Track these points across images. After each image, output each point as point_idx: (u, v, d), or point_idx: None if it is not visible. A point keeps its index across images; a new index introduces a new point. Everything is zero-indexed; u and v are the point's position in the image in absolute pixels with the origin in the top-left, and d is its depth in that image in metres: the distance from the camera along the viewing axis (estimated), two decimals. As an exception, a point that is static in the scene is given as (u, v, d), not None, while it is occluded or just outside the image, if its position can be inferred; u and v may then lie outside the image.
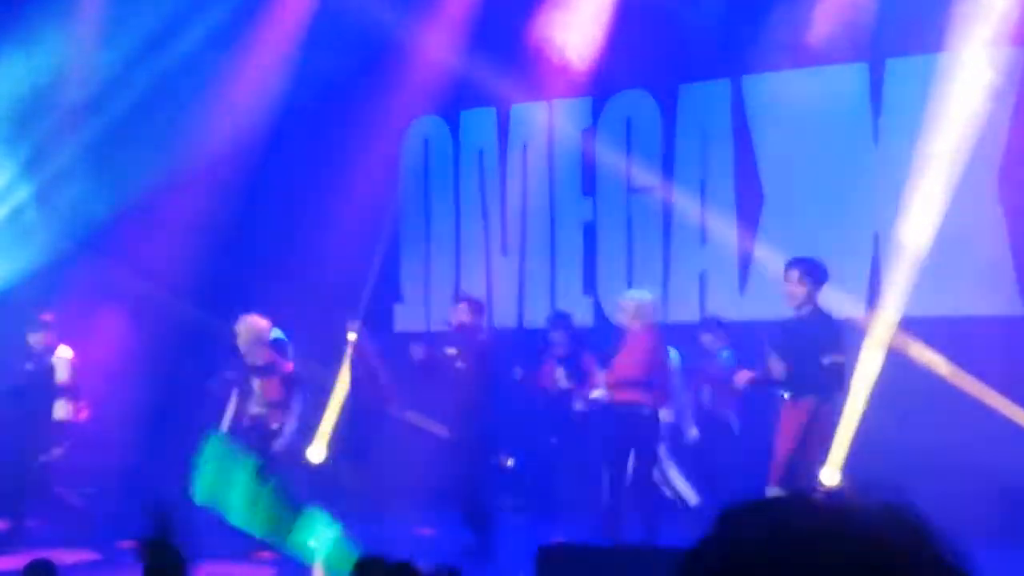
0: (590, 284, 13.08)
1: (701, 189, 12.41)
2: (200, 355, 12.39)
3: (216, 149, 13.19)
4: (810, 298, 8.59)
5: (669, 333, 10.63)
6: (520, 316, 13.43)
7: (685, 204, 12.42)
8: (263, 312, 10.56)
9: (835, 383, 8.64)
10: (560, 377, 11.80)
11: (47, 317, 11.10)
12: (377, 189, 13.67)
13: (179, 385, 12.66)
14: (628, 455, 10.03)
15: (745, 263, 12.06)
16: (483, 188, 13.77)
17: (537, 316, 12.92)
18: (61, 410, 10.79)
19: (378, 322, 13.08)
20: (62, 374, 10.85)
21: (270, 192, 14.10)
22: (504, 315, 13.31)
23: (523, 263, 13.50)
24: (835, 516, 1.20)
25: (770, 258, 10.97)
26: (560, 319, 12.08)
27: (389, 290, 14.01)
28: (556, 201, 13.36)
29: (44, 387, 10.73)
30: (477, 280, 13.54)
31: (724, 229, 12.08)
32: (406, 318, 14.02)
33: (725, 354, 11.13)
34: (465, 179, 13.90)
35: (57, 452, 10.67)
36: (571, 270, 13.21)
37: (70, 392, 10.87)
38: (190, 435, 10.35)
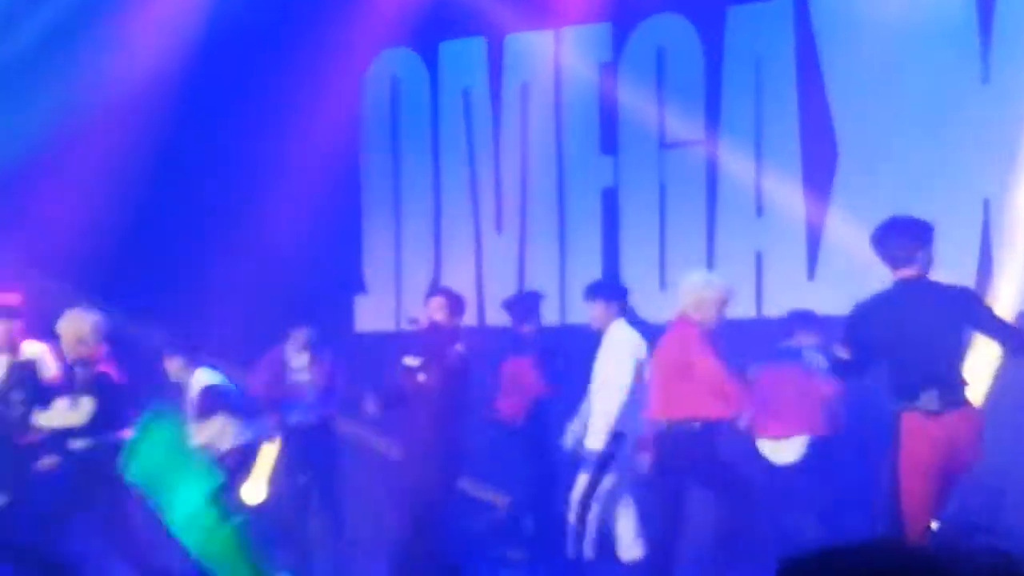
0: (611, 268, 12.81)
1: (756, 143, 12.28)
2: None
3: (121, 94, 12.89)
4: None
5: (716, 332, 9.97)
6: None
7: (735, 163, 12.28)
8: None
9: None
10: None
11: (11, 301, 10.79)
12: (331, 146, 13.42)
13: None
14: (688, 487, 9.68)
15: (814, 239, 11.94)
16: (470, 144, 13.55)
17: (543, 311, 12.38)
18: (62, 414, 10.35)
19: (335, 321, 12.90)
20: (50, 368, 10.62)
21: (191, 151, 13.63)
22: (499, 311, 12.63)
23: (523, 242, 13.35)
24: (919, 563, 1.29)
25: (847, 232, 10.86)
26: (529, 298, 11.93)
27: (349, 279, 13.80)
28: (566, 160, 13.17)
29: (28, 391, 10.48)
30: (463, 265, 13.33)
31: (787, 195, 11.99)
32: (371, 315, 13.76)
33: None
34: (446, 132, 13.67)
35: (50, 462, 10.50)
36: (586, 251, 13.03)
37: (65, 387, 10.51)
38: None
